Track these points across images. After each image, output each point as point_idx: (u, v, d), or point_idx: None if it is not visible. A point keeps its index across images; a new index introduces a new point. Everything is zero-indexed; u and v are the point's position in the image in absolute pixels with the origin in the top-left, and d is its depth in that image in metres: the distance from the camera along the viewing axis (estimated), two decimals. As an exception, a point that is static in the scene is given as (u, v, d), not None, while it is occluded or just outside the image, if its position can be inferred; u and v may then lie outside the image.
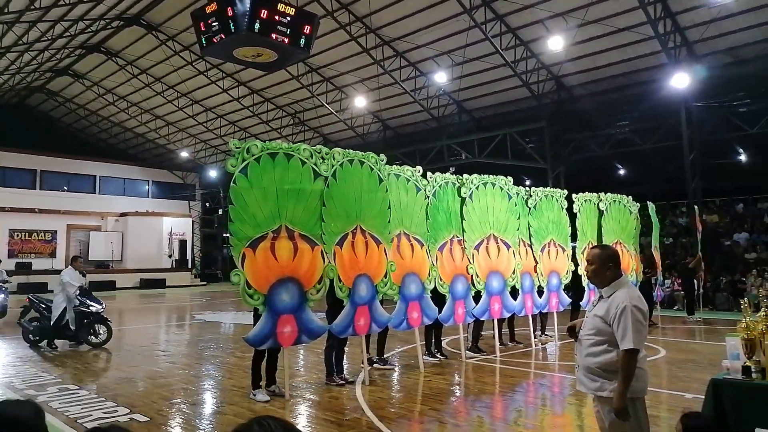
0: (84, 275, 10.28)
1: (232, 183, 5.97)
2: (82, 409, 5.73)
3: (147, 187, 32.88)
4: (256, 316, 6.07)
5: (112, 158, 31.64)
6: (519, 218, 9.18)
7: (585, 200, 10.58)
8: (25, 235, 26.91)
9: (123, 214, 29.38)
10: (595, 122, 18.48)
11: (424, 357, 8.06)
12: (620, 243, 11.23)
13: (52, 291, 16.57)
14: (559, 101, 18.62)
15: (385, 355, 7.93)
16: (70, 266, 10.16)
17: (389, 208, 7.31)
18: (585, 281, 10.01)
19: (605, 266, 3.17)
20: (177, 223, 29.68)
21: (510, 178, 9.23)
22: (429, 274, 7.76)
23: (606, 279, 3.16)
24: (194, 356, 9.10)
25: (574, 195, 10.39)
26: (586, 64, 17.18)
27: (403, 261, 7.47)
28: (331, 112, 22.89)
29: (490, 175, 8.97)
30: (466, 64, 17.94)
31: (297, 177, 6.36)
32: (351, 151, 7.18)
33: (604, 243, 10.86)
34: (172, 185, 33.45)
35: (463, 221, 8.42)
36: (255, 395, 6.10)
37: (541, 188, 10.09)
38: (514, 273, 8.81)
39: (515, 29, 16.55)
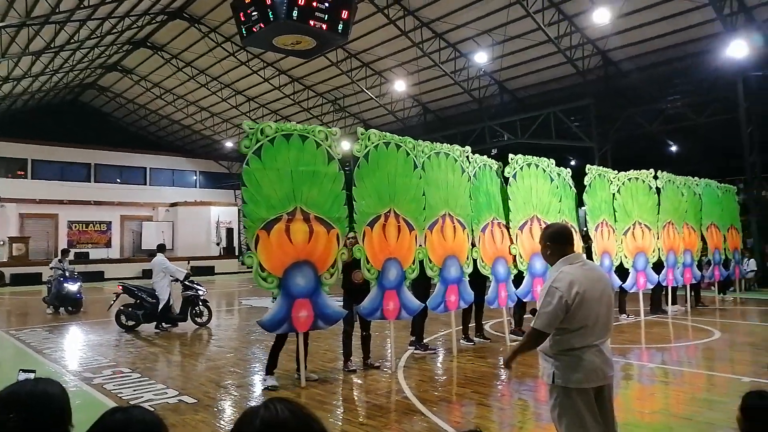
0: (188, 262, 10.83)
1: (244, 164, 5.86)
2: (134, 391, 5.97)
3: (195, 177, 33.88)
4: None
5: (161, 150, 32.73)
6: (561, 200, 8.97)
7: (629, 179, 10.22)
8: (82, 226, 28.26)
9: (173, 204, 30.39)
10: (644, 97, 17.73)
11: (461, 341, 8.02)
12: (671, 224, 10.82)
13: (107, 278, 17.32)
14: (606, 77, 17.96)
15: (425, 340, 7.90)
16: (161, 255, 10.53)
17: (423, 194, 7.17)
18: (629, 263, 9.76)
19: (544, 245, 3.12)
20: (224, 212, 30.47)
21: (552, 161, 9.04)
22: (467, 258, 7.67)
23: (549, 258, 3.10)
24: (242, 340, 9.34)
25: (613, 174, 10.08)
26: (634, 37, 16.47)
27: (445, 243, 7.39)
28: (370, 97, 22.85)
29: (534, 156, 8.78)
30: (507, 42, 17.50)
31: (312, 159, 6.20)
32: (388, 133, 7.08)
33: (658, 222, 10.46)
34: (218, 175, 34.30)
35: (509, 201, 8.32)
36: (265, 380, 6.07)
37: (595, 167, 9.84)
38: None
39: (558, 3, 16.01)
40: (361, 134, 6.76)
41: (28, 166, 27.95)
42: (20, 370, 2.30)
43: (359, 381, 6.33)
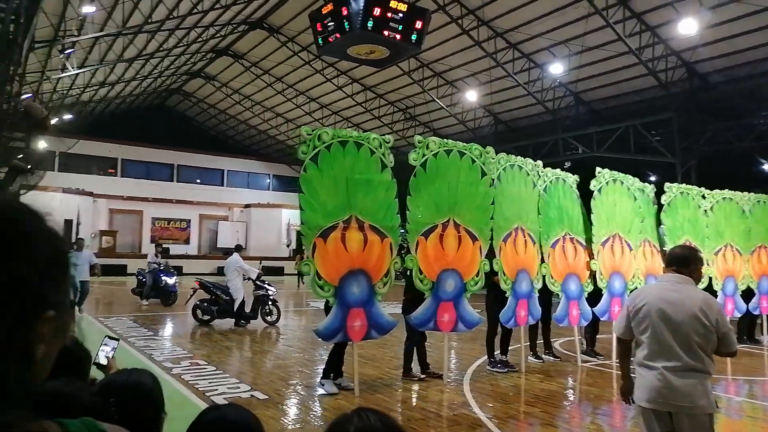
0: (260, 262, 11.82)
1: (302, 171, 5.84)
2: (210, 383, 6.27)
3: (268, 180, 35.08)
4: (327, 308, 5.99)
5: (238, 154, 34.15)
6: (643, 221, 8.61)
7: (723, 198, 9.61)
8: (164, 222, 29.97)
9: (247, 206, 31.63)
10: (733, 112, 16.71)
11: (529, 358, 7.83)
12: (764, 247, 10.08)
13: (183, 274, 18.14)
14: (691, 89, 17.07)
15: (497, 357, 7.47)
16: (236, 254, 11.06)
17: (492, 203, 6.99)
18: (719, 285, 9.17)
19: None
20: (294, 215, 31.17)
21: (636, 178, 8.74)
22: (537, 273, 7.51)
23: None
24: (309, 341, 9.55)
25: (707, 192, 9.51)
26: (723, 49, 15.57)
27: (518, 256, 7.26)
28: (441, 106, 22.85)
29: (620, 173, 8.51)
30: (584, 53, 17.01)
31: (366, 167, 6.12)
32: (450, 141, 6.91)
33: (748, 246, 9.78)
34: (290, 179, 35.26)
35: (592, 215, 8.10)
36: (323, 385, 6.09)
37: (675, 185, 9.35)
38: (634, 277, 8.29)
39: (640, 14, 15.40)
40: (419, 142, 6.60)
41: (118, 164, 29.99)
42: (106, 336, 2.47)
43: (423, 391, 6.34)
